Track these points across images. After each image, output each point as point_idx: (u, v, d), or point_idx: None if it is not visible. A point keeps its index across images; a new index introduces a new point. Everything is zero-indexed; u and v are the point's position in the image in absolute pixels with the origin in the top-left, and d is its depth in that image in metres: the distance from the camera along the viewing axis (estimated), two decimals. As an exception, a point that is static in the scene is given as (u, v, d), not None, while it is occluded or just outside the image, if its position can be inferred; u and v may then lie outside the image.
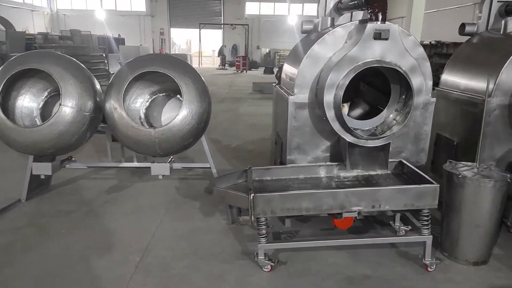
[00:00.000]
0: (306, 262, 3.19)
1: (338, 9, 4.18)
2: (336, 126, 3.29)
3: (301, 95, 3.53)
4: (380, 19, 3.15)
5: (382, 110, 3.63)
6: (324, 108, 3.36)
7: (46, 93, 3.89)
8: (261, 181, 3.45)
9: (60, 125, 3.40)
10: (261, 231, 3.00)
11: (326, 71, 3.34)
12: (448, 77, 4.38)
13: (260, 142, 7.07)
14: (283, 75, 4.25)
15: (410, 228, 3.58)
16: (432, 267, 3.09)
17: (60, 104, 3.42)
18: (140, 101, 3.99)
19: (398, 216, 3.60)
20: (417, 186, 2.97)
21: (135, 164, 4.35)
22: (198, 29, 31.20)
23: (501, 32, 3.99)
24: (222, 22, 33.16)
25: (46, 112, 3.90)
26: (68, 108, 3.39)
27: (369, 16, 3.20)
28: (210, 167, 4.21)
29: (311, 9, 33.26)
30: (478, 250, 3.20)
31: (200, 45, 31.69)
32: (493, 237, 3.21)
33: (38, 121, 3.78)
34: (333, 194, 2.93)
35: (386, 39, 3.14)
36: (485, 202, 3.05)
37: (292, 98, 3.53)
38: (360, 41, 3.13)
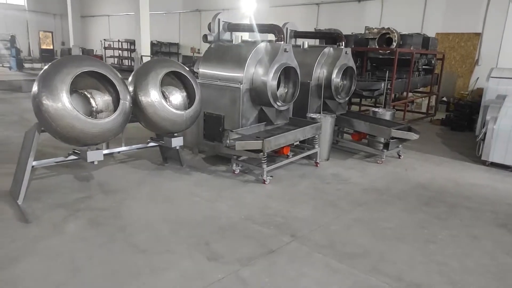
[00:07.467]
0: (276, 176, 5.73)
1: (229, 29, 6.65)
2: (271, 100, 5.90)
3: (246, 84, 5.86)
4: (283, 41, 5.99)
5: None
6: (258, 91, 5.91)
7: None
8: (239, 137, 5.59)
9: (123, 116, 4.16)
10: (265, 160, 5.31)
11: (261, 68, 5.85)
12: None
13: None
14: (211, 73, 6.21)
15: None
16: (319, 164, 6.39)
17: (120, 99, 4.17)
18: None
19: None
20: (317, 124, 6.12)
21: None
22: None
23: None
24: None
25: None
26: (124, 100, 4.21)
27: (277, 38, 5.97)
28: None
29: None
30: (327, 153, 6.76)
31: None
32: (330, 146, 6.84)
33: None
34: (293, 133, 5.66)
35: (288, 52, 6.01)
36: (330, 128, 6.59)
37: (243, 86, 5.80)
38: (279, 53, 5.85)
